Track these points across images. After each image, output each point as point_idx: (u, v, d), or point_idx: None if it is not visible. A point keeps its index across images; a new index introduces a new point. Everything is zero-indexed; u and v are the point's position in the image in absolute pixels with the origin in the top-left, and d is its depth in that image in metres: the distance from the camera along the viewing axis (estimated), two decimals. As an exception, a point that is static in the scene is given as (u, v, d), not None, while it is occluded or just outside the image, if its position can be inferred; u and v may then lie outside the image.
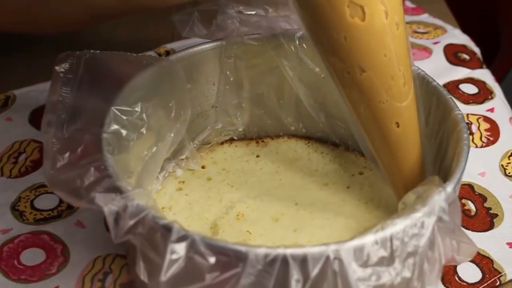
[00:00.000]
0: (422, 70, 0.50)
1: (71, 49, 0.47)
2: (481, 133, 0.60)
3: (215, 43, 0.53)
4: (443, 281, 0.48)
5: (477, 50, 0.71)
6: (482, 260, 0.49)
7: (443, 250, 0.39)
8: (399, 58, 0.43)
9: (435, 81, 0.49)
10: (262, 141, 0.58)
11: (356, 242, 0.37)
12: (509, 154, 0.58)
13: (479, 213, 0.53)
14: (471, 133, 0.60)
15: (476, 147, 0.59)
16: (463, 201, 0.54)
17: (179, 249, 0.36)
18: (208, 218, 0.50)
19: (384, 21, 0.42)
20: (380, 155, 0.47)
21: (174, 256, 0.36)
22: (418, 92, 0.47)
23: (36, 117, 0.61)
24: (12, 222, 0.51)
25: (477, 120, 0.62)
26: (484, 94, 0.65)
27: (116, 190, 0.39)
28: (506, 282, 0.49)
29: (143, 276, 0.38)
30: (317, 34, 0.44)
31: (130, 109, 0.46)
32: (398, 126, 0.45)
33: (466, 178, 0.55)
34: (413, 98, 0.46)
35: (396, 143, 0.46)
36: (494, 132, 0.60)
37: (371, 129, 0.46)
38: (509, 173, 0.56)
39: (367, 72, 0.43)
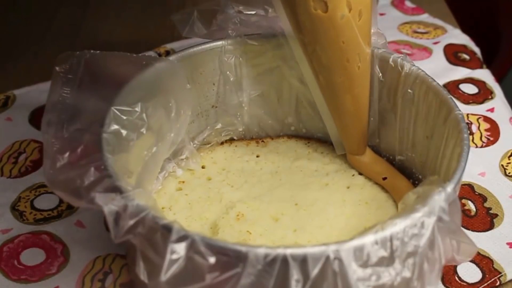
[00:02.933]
0: (422, 70, 0.50)
1: (71, 49, 0.47)
2: (481, 133, 0.60)
3: (215, 43, 0.53)
4: (443, 281, 0.48)
5: (477, 50, 0.71)
6: (482, 260, 0.49)
7: (443, 250, 0.39)
8: (357, 44, 0.47)
9: (435, 81, 0.49)
10: (262, 141, 0.57)
11: (356, 242, 0.36)
12: (509, 154, 0.58)
13: (479, 213, 0.53)
14: (471, 133, 0.60)
15: (476, 147, 0.59)
16: (463, 201, 0.54)
17: (179, 249, 0.36)
18: (208, 218, 0.50)
19: (345, 13, 0.45)
20: (335, 117, 0.52)
21: (174, 256, 0.36)
22: (375, 69, 0.51)
23: (36, 117, 0.61)
24: (12, 222, 0.51)
25: (477, 120, 0.62)
26: (484, 94, 0.65)
27: (116, 190, 0.39)
28: (506, 282, 0.49)
29: (143, 276, 0.38)
30: (287, 13, 0.49)
31: (130, 109, 0.46)
32: (350, 98, 0.50)
33: (466, 178, 0.55)
34: (367, 75, 0.50)
35: (347, 110, 0.50)
36: (494, 132, 0.60)
37: (327, 96, 0.51)
38: (509, 173, 0.56)
39: (326, 53, 0.47)
